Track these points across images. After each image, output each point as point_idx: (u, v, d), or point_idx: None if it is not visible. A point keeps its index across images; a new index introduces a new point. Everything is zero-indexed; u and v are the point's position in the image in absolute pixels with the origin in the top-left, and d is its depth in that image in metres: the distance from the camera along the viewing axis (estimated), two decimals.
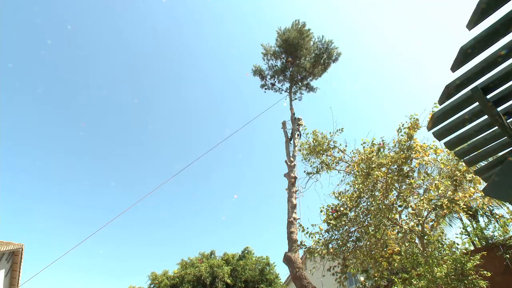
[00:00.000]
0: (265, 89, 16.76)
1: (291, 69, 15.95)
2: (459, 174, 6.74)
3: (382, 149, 7.85)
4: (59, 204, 59.74)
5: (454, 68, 1.92)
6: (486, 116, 2.20)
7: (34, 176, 56.75)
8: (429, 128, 2.36)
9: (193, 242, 59.03)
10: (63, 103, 54.83)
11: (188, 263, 15.31)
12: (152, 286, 14.85)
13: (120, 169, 65.62)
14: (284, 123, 14.00)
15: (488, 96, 2.09)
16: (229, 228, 64.80)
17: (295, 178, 11.16)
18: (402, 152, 7.28)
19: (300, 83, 16.66)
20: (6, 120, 47.90)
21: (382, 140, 7.99)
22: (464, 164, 6.53)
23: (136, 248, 63.08)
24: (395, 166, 7.27)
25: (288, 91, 15.96)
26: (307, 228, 8.11)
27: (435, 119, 2.29)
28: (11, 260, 16.20)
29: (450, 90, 2.05)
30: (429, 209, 7.05)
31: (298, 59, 15.60)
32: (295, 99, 16.78)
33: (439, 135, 2.41)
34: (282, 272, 23.25)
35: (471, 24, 1.72)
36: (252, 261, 15.52)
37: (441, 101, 2.12)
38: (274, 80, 16.54)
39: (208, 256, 16.12)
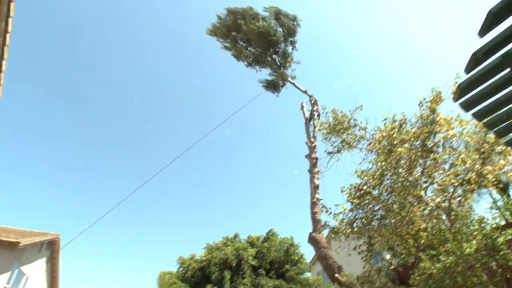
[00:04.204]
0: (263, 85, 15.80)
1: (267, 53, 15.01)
2: (487, 147, 6.47)
3: (403, 125, 7.62)
4: (86, 193, 62.54)
5: (482, 33, 1.80)
6: None
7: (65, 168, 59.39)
8: (455, 99, 2.25)
9: (216, 226, 60.64)
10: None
11: (213, 246, 15.76)
12: (181, 270, 15.40)
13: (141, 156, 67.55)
14: (302, 104, 13.82)
15: None
16: (251, 212, 65.93)
17: (316, 159, 11.10)
18: (425, 127, 7.04)
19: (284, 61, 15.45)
20: (45, 120, 50.04)
21: (403, 116, 7.74)
22: (492, 136, 6.25)
23: (161, 232, 65.47)
24: (418, 142, 7.05)
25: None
26: (330, 208, 8.10)
27: (462, 89, 2.18)
28: (50, 248, 17.25)
29: (477, 57, 1.93)
30: (456, 184, 6.84)
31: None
32: (293, 77, 15.49)
33: (466, 106, 2.29)
34: (307, 252, 23.55)
35: None
36: (276, 242, 15.77)
37: (467, 70, 2.01)
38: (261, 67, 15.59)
39: (232, 239, 16.49)
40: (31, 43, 44.20)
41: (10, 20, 4.28)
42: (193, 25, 53.93)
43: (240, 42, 15.28)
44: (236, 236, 16.73)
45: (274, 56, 15.03)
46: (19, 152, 51.24)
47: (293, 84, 14.66)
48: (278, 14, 14.32)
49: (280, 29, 14.47)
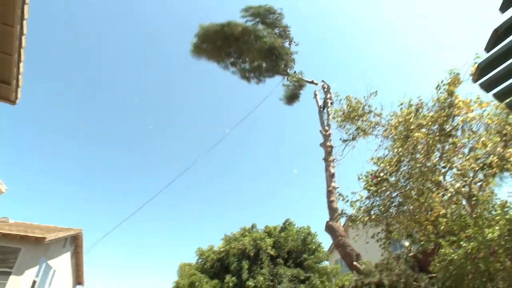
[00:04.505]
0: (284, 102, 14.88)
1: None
2: (509, 129, 6.23)
3: (420, 109, 7.43)
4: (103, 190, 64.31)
5: (504, 8, 1.72)
6: None
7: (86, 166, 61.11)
8: (474, 80, 2.17)
9: (233, 218, 61.37)
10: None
11: (231, 237, 15.97)
12: (200, 261, 15.70)
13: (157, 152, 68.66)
14: (315, 93, 13.66)
15: None
16: (267, 202, 66.29)
17: (331, 147, 11.01)
18: (442, 110, 6.84)
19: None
20: (57, 115, 51.45)
21: (420, 100, 7.54)
22: None
23: (180, 225, 66.82)
24: (436, 126, 6.87)
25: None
26: (347, 196, 8.05)
27: (482, 68, 2.09)
28: (74, 243, 17.92)
29: (499, 34, 1.84)
30: (477, 169, 6.65)
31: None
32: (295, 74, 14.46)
33: (486, 86, 2.20)
34: (325, 241, 23.58)
35: None
36: (293, 232, 15.85)
37: (488, 48, 1.93)
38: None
39: (249, 230, 16.65)
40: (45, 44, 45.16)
41: (24, 22, 4.38)
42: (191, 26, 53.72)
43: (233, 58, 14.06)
44: (253, 226, 16.88)
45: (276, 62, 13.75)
46: (41, 152, 53.00)
47: (307, 81, 14.30)
48: (259, 15, 13.34)
49: (274, 31, 13.55)
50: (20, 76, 5.27)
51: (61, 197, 61.33)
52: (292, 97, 14.84)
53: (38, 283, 13.65)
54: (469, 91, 6.80)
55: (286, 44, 13.92)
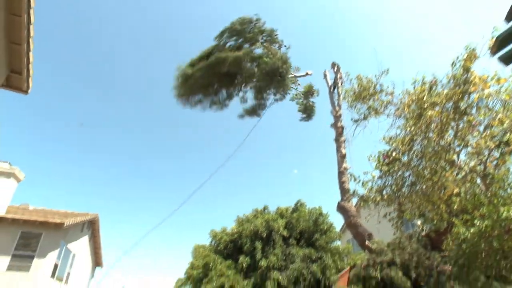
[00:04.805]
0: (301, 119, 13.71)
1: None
2: None
3: (434, 87, 7.21)
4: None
5: (509, 18, 1.63)
6: None
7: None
8: (493, 52, 2.08)
9: (245, 200, 62.30)
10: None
11: (244, 219, 16.20)
12: (213, 242, 16.05)
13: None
14: (325, 73, 13.39)
15: None
16: (278, 184, 66.78)
17: (342, 127, 10.90)
18: (457, 87, 6.63)
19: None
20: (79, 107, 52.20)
21: (434, 77, 7.31)
22: None
23: (193, 208, 68.21)
24: (451, 104, 6.69)
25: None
26: (359, 177, 8.02)
27: (501, 40, 2.00)
28: (91, 227, 18.56)
29: None
30: (492, 147, 6.49)
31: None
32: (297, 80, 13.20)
33: (505, 59, 2.11)
34: (337, 222, 23.76)
35: None
36: (305, 213, 15.95)
37: (508, 18, 1.83)
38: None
39: (261, 211, 16.82)
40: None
41: (31, 11, 4.38)
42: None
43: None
44: (265, 208, 17.03)
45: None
46: (60, 141, 54.23)
47: (301, 76, 13.21)
48: (239, 33, 11.46)
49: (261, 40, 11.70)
50: (30, 66, 5.31)
51: (77, 182, 63.28)
52: (308, 111, 13.77)
53: (60, 266, 14.29)
54: (486, 67, 6.55)
55: (281, 50, 12.07)
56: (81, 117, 56.67)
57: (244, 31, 11.47)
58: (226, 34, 11.57)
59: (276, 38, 12.09)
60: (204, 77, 11.16)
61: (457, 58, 6.74)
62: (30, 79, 5.59)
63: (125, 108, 62.39)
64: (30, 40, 4.88)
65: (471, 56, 6.45)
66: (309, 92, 13.44)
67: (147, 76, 61.45)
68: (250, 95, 12.53)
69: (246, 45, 11.69)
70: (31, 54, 5.11)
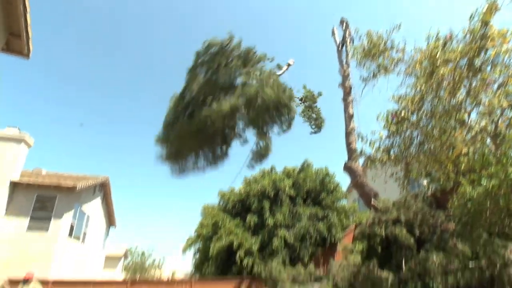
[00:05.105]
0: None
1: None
2: None
3: (448, 43, 6.86)
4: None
5: None
6: None
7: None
8: None
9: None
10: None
11: (251, 180, 16.48)
12: (221, 203, 16.52)
13: None
14: (333, 30, 12.78)
15: None
16: (284, 144, 67.19)
17: (350, 87, 10.62)
18: (474, 43, 6.30)
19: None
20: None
21: (450, 32, 6.92)
22: None
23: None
24: (465, 60, 6.40)
25: None
26: (366, 136, 7.96)
27: None
28: (102, 190, 19.20)
29: None
30: (505, 106, 6.30)
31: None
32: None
33: None
34: (343, 182, 24.13)
35: None
36: (311, 173, 16.13)
37: None
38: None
39: (268, 172, 17.02)
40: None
41: None
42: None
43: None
44: (272, 168, 17.19)
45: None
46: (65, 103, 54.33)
47: (284, 71, 10.44)
48: (221, 61, 8.77)
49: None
50: (29, 28, 5.15)
51: (87, 146, 64.55)
52: (316, 121, 11.65)
53: (76, 226, 15.05)
54: (507, 20, 6.17)
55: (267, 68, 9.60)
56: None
57: (216, 60, 8.82)
58: (199, 68, 9.13)
59: (256, 56, 9.55)
60: (188, 146, 9.18)
61: (476, 10, 6.33)
62: (30, 42, 5.45)
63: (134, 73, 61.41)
64: (26, 2, 4.70)
65: (492, 8, 6.03)
66: (312, 101, 11.68)
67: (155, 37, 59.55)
68: (249, 133, 10.00)
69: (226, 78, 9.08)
70: (28, 16, 4.93)
